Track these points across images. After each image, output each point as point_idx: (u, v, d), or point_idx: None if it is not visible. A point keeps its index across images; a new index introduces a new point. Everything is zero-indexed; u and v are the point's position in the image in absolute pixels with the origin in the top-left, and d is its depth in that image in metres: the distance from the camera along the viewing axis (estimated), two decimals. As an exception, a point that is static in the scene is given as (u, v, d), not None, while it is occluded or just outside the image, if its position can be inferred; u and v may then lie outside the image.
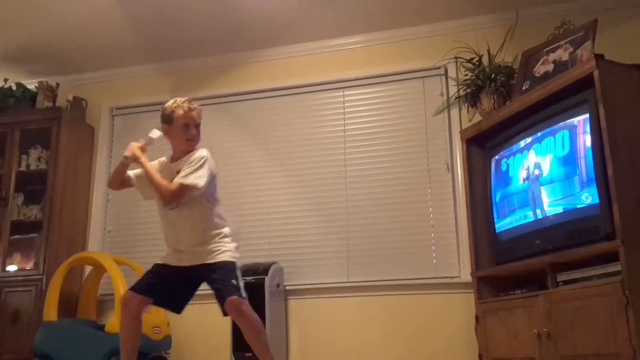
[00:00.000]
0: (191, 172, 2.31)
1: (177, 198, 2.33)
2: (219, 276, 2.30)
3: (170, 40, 4.12)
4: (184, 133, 2.41)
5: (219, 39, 4.10)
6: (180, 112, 2.40)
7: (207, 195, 2.41)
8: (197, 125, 2.45)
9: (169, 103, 2.44)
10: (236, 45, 4.20)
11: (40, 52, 4.23)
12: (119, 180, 2.48)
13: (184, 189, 2.30)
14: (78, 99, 4.36)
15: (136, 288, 2.39)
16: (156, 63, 4.43)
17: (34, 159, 4.21)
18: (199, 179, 2.31)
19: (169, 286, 2.41)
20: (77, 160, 4.25)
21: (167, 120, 2.43)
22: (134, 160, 2.38)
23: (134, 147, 2.40)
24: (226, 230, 2.43)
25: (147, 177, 2.37)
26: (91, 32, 3.97)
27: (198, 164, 2.33)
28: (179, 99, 2.44)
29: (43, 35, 4.01)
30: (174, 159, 2.46)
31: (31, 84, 4.41)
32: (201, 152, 2.40)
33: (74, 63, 4.40)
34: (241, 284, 2.31)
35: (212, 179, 2.41)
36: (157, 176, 2.34)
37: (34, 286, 3.84)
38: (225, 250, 2.37)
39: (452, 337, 3.45)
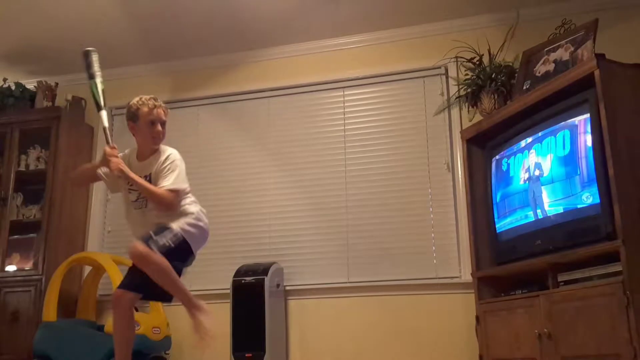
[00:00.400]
0: (175, 177, 2.34)
1: (176, 203, 2.34)
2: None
3: (170, 40, 4.12)
4: (149, 130, 2.40)
5: (219, 38, 4.09)
6: (145, 109, 2.40)
7: None
8: (163, 123, 2.44)
9: (134, 100, 2.43)
10: (236, 45, 4.20)
11: (39, 51, 4.22)
12: (88, 181, 2.49)
13: (178, 194, 2.34)
14: (77, 99, 4.35)
15: (123, 285, 2.39)
16: (156, 63, 4.43)
17: (33, 159, 4.20)
18: (184, 182, 2.37)
19: (150, 278, 2.35)
20: (77, 160, 4.23)
21: (132, 117, 2.43)
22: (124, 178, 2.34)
23: (119, 164, 2.30)
24: (186, 208, 2.40)
25: (141, 189, 2.34)
26: (91, 31, 3.95)
27: (176, 168, 2.36)
28: (144, 96, 2.43)
29: (42, 35, 4.01)
30: (141, 157, 2.45)
31: (30, 84, 4.40)
32: (172, 155, 2.40)
33: (73, 63, 4.36)
34: (161, 242, 2.22)
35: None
36: (153, 187, 2.33)
37: (33, 286, 3.83)
38: (170, 221, 2.32)
39: (453, 337, 3.44)
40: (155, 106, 2.41)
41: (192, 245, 2.37)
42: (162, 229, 2.28)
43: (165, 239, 2.24)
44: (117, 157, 2.33)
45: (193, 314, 2.31)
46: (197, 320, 2.29)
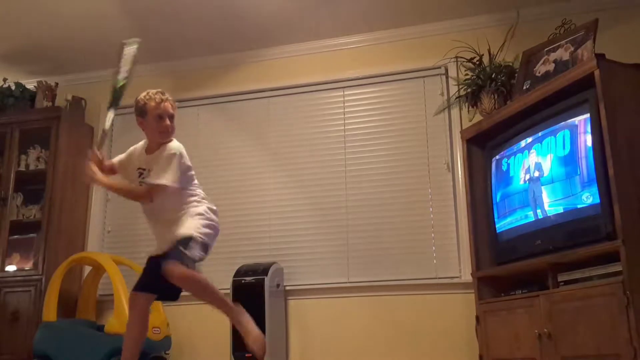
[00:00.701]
0: (161, 173, 2.33)
1: (151, 198, 2.35)
2: (172, 247, 2.25)
3: (170, 40, 4.12)
4: (157, 125, 2.39)
5: (219, 38, 4.09)
6: (152, 103, 2.38)
7: (182, 186, 2.41)
8: (171, 117, 2.42)
9: (142, 95, 2.42)
10: (236, 45, 4.20)
11: (39, 51, 4.22)
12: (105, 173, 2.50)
13: (155, 189, 2.34)
14: (77, 99, 4.35)
15: (137, 287, 2.40)
16: (156, 63, 4.42)
17: (33, 159, 4.20)
18: (167, 179, 2.32)
19: (162, 277, 2.35)
20: (77, 160, 4.22)
21: (141, 112, 2.42)
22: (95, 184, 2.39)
23: (90, 173, 2.34)
24: (195, 209, 2.40)
25: (117, 193, 2.44)
26: (91, 31, 3.96)
27: (166, 163, 2.35)
28: (152, 91, 2.42)
29: (43, 35, 4.00)
30: (149, 150, 2.45)
31: (30, 84, 4.40)
32: (170, 149, 2.38)
33: (73, 63, 4.40)
34: (189, 253, 2.22)
35: (185, 172, 2.41)
36: (126, 186, 2.41)
37: (33, 286, 3.83)
38: (186, 227, 2.32)
39: (453, 337, 3.44)
40: (162, 100, 2.39)
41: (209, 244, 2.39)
42: (187, 240, 2.26)
43: (196, 252, 2.25)
44: (96, 161, 2.37)
45: (238, 322, 2.32)
46: (243, 327, 2.30)
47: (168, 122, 2.40)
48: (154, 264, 2.36)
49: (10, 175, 4.11)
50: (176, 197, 2.39)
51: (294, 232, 3.93)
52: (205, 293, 2.30)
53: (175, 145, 2.41)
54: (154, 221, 2.45)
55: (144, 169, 2.42)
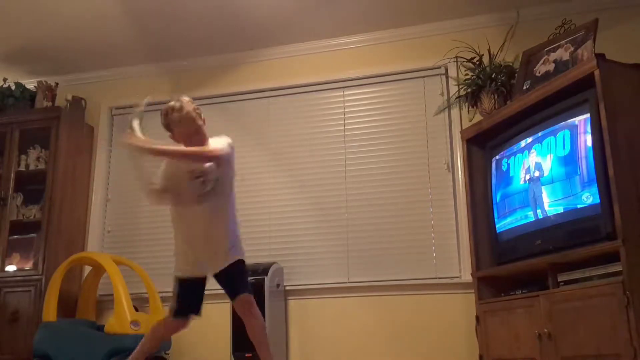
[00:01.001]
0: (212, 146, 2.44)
1: (215, 158, 2.45)
2: (236, 273, 2.43)
3: (170, 40, 4.11)
4: (180, 135, 2.50)
5: (219, 38, 4.09)
6: (165, 121, 2.49)
7: (230, 186, 2.56)
8: (190, 120, 2.47)
9: (161, 113, 2.51)
10: (236, 45, 4.20)
11: (39, 51, 4.22)
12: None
13: (218, 152, 2.45)
14: (77, 99, 4.35)
15: (181, 313, 2.51)
16: (156, 63, 4.43)
17: (33, 159, 4.20)
18: (220, 147, 2.46)
19: (198, 295, 2.53)
20: (77, 160, 4.25)
21: (167, 130, 2.53)
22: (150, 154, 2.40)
23: (138, 141, 2.39)
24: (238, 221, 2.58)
25: (175, 157, 2.45)
26: (91, 31, 3.96)
27: (217, 141, 2.47)
28: (168, 105, 2.49)
29: (43, 35, 4.01)
30: None
31: (30, 84, 4.40)
32: (218, 140, 2.50)
33: (74, 63, 4.40)
34: (249, 283, 2.47)
35: (231, 163, 2.57)
36: (186, 148, 2.45)
37: (33, 286, 3.83)
38: (242, 249, 2.52)
39: (453, 337, 3.44)
40: (167, 113, 2.46)
41: None
42: (240, 271, 2.45)
43: (248, 279, 2.49)
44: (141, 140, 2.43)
45: None
46: None
47: (184, 129, 2.46)
48: (197, 284, 2.49)
49: (10, 175, 4.11)
50: (227, 197, 2.56)
51: (294, 232, 3.93)
52: (259, 336, 2.45)
53: (218, 138, 2.52)
54: (203, 226, 2.46)
55: (200, 171, 2.45)
